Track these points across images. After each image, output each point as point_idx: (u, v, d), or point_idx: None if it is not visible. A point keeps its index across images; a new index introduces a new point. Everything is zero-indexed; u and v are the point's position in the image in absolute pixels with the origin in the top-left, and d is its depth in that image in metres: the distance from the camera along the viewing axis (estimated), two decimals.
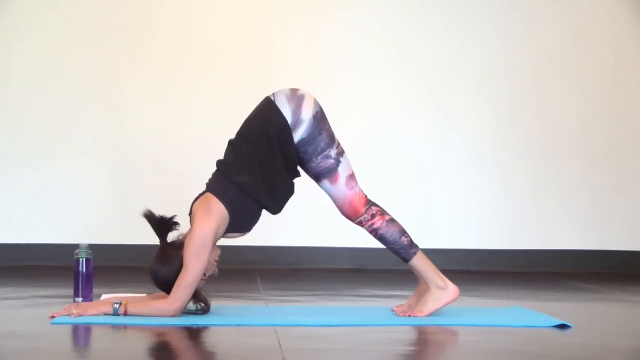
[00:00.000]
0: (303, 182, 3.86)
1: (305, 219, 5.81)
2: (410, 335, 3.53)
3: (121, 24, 5.90)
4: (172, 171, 5.84)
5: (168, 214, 3.63)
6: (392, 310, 3.88)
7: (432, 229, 5.91)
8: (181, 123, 5.90)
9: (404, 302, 3.96)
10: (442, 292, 3.78)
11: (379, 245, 3.86)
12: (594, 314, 4.22)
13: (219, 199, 3.64)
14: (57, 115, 5.86)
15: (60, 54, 5.87)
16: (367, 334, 3.46)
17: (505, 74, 6.06)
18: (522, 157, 6.06)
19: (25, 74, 5.86)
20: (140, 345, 3.22)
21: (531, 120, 6.07)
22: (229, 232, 3.71)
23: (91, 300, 3.94)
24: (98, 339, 3.31)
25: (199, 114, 5.91)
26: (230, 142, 3.77)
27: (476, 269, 5.88)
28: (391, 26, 6.01)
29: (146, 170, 5.86)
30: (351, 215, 3.80)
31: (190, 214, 3.68)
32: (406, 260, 3.80)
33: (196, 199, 3.70)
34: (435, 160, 6.02)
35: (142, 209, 3.64)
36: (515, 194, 6.05)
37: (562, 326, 3.60)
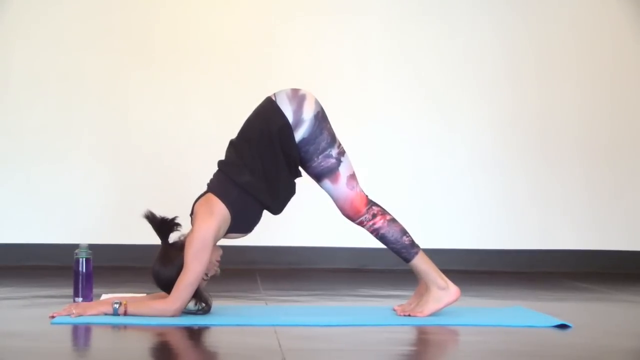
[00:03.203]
0: (303, 182, 3.86)
1: (305, 219, 5.80)
2: (410, 335, 3.53)
3: (121, 24, 5.90)
4: (172, 171, 5.84)
5: (169, 215, 3.63)
6: (393, 310, 3.88)
7: (433, 229, 5.91)
8: (181, 123, 5.90)
9: (404, 302, 3.96)
10: (443, 293, 3.77)
11: (379, 245, 3.86)
12: (594, 314, 4.22)
13: (220, 199, 3.64)
14: (57, 115, 5.86)
15: (60, 54, 5.86)
16: (367, 334, 3.46)
17: (506, 74, 6.05)
18: (522, 157, 6.06)
19: (25, 74, 5.86)
20: (140, 345, 3.22)
21: (531, 120, 6.07)
22: (230, 233, 3.70)
23: (91, 300, 3.93)
24: (98, 339, 3.31)
25: (200, 114, 5.91)
26: (232, 142, 3.77)
27: (476, 269, 5.87)
28: (391, 26, 6.01)
29: (146, 170, 5.86)
30: (352, 215, 3.79)
31: (191, 214, 3.68)
32: (407, 260, 3.80)
33: (198, 199, 3.69)
34: (436, 160, 6.02)
35: (142, 209, 3.64)
36: (515, 194, 6.05)
37: (562, 326, 3.60)
